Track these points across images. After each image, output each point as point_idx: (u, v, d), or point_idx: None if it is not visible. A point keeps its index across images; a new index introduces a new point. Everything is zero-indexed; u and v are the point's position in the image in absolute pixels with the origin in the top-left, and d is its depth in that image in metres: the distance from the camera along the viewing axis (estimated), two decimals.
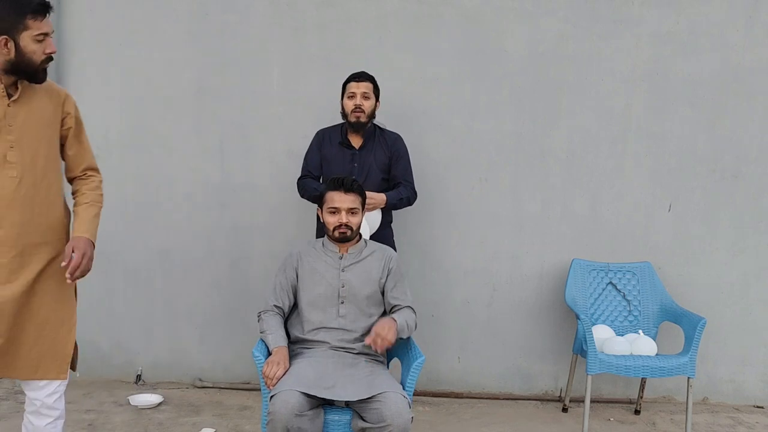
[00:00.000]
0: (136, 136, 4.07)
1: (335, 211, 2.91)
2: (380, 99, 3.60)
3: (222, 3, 4.02)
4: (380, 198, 3.45)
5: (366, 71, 3.56)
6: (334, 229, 2.92)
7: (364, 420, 2.61)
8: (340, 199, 2.90)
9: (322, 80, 4.02)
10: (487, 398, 4.11)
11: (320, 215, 3.02)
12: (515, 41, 4.04)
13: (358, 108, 3.47)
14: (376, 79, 3.56)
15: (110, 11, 4.02)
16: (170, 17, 4.03)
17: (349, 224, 2.91)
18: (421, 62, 4.04)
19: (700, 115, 4.07)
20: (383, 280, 2.97)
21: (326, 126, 3.74)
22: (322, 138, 3.65)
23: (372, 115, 3.55)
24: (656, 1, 4.03)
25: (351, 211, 2.92)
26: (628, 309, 3.92)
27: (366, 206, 3.19)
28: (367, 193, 3.26)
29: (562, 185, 4.09)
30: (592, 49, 4.04)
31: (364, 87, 3.49)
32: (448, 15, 4.03)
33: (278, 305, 2.96)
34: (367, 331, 2.91)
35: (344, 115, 3.55)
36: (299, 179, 3.66)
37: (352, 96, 3.49)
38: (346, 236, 2.92)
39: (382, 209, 3.52)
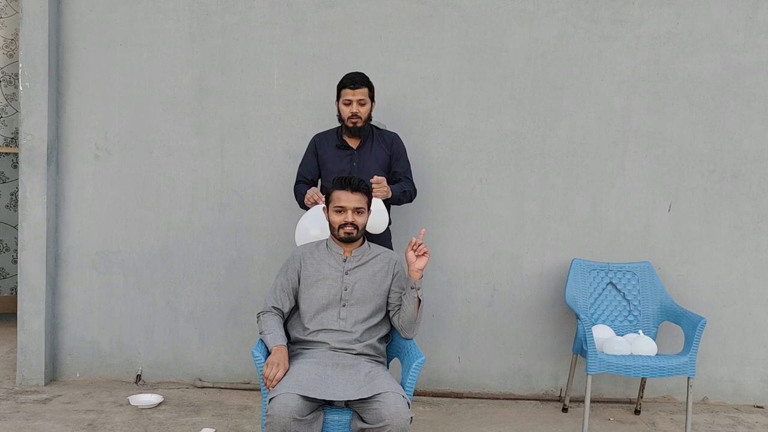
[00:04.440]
0: (136, 136, 4.07)
1: (341, 210, 2.90)
2: (380, 99, 3.59)
3: (222, 3, 4.02)
4: (387, 186, 3.42)
5: (360, 72, 3.53)
6: (339, 228, 2.92)
7: (363, 420, 2.61)
8: (346, 199, 2.89)
9: (322, 80, 4.02)
10: (487, 398, 4.11)
11: (325, 214, 3.02)
12: (515, 41, 4.04)
13: (354, 115, 3.47)
14: (371, 79, 3.52)
15: (110, 11, 4.03)
16: (170, 17, 4.03)
17: (355, 223, 2.90)
18: (422, 62, 4.04)
19: (700, 115, 4.07)
20: (387, 283, 2.97)
21: (324, 128, 3.73)
22: (318, 142, 3.63)
23: (369, 118, 3.55)
24: (656, 1, 4.03)
25: (357, 211, 2.91)
26: (628, 309, 3.92)
27: (373, 190, 3.24)
28: (375, 177, 3.32)
29: (562, 185, 4.09)
30: (592, 49, 4.04)
31: (360, 94, 3.45)
32: (449, 15, 4.03)
33: (277, 307, 2.95)
34: (368, 334, 2.92)
35: (340, 118, 3.54)
36: (295, 185, 3.65)
37: (348, 103, 3.46)
38: (352, 236, 2.91)
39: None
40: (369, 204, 2.98)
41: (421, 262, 2.85)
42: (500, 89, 4.06)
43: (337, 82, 3.52)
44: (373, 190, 3.27)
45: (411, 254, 2.86)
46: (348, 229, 2.90)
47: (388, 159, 3.60)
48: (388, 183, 3.50)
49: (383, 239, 3.51)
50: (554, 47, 4.04)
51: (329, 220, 2.97)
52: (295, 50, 4.04)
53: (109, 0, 4.02)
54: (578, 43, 4.04)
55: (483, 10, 4.03)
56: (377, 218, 3.26)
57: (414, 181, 3.69)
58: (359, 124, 3.49)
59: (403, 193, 3.55)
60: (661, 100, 4.07)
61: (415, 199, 3.69)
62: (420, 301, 2.89)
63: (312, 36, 4.03)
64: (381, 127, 3.68)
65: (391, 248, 3.59)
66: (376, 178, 3.32)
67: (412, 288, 2.86)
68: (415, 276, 2.86)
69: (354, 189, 2.90)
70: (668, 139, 4.08)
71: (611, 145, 4.08)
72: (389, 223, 3.64)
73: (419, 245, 2.86)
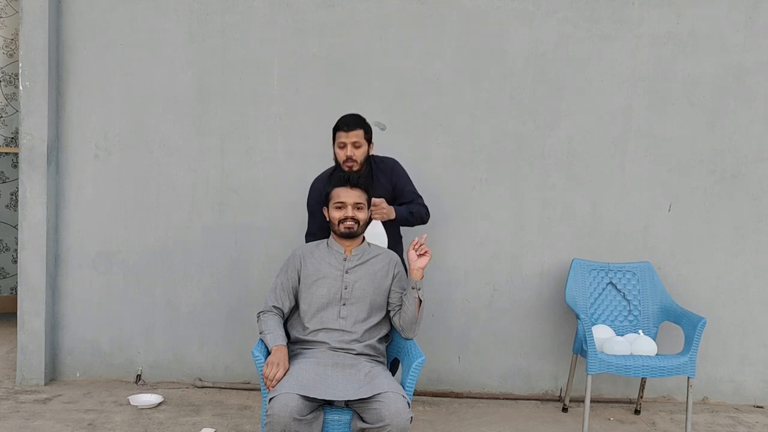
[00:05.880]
0: (136, 136, 4.07)
1: (341, 206, 2.92)
2: (379, 99, 3.54)
3: (222, 3, 4.02)
4: (389, 207, 3.31)
5: (355, 114, 3.42)
6: (339, 223, 2.92)
7: (363, 420, 2.61)
8: (346, 194, 2.92)
9: (322, 80, 4.02)
10: (487, 398, 4.11)
11: (326, 214, 3.02)
12: (515, 41, 4.04)
13: (349, 159, 3.31)
14: (366, 120, 3.41)
15: (110, 11, 4.03)
16: (170, 17, 4.03)
17: (355, 218, 2.91)
18: (422, 62, 4.04)
19: (700, 115, 4.08)
20: (387, 283, 2.97)
21: (323, 127, 3.69)
22: (320, 189, 3.44)
23: (366, 161, 3.39)
24: (656, 1, 4.03)
25: (357, 206, 2.93)
26: (628, 309, 3.92)
27: (372, 212, 3.16)
28: (374, 199, 3.20)
29: (562, 185, 4.09)
30: (592, 49, 4.04)
31: (354, 136, 3.31)
32: (449, 15, 4.03)
33: (277, 306, 2.96)
34: (368, 334, 2.92)
35: (337, 162, 3.40)
36: (306, 237, 3.52)
37: (343, 146, 3.33)
38: (353, 230, 2.93)
39: (391, 226, 3.42)
40: (369, 201, 2.99)
41: (422, 261, 2.86)
42: (500, 89, 4.06)
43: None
44: (372, 213, 3.18)
45: (412, 253, 2.87)
46: (348, 223, 2.91)
47: (391, 190, 3.48)
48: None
49: (396, 252, 3.45)
50: (554, 47, 4.04)
51: (329, 218, 2.98)
52: (295, 50, 4.04)
53: (109, 0, 4.02)
54: (578, 43, 4.04)
55: (483, 10, 4.03)
56: (376, 242, 3.17)
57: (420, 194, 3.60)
58: (355, 168, 3.33)
59: (410, 213, 3.42)
60: (661, 100, 4.07)
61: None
62: (421, 301, 2.90)
63: (312, 36, 4.03)
64: (381, 128, 3.67)
65: (402, 261, 3.53)
66: (374, 200, 3.21)
67: (413, 288, 2.87)
68: (416, 275, 2.86)
69: (353, 185, 2.94)
70: (668, 139, 4.08)
71: (611, 145, 4.08)
72: (401, 238, 3.61)
73: (420, 245, 2.87)
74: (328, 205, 2.99)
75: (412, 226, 3.54)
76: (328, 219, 3.01)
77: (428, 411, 3.90)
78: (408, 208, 3.44)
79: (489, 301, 4.13)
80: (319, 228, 3.42)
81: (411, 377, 2.76)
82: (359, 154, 3.34)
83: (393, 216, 3.33)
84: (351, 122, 3.35)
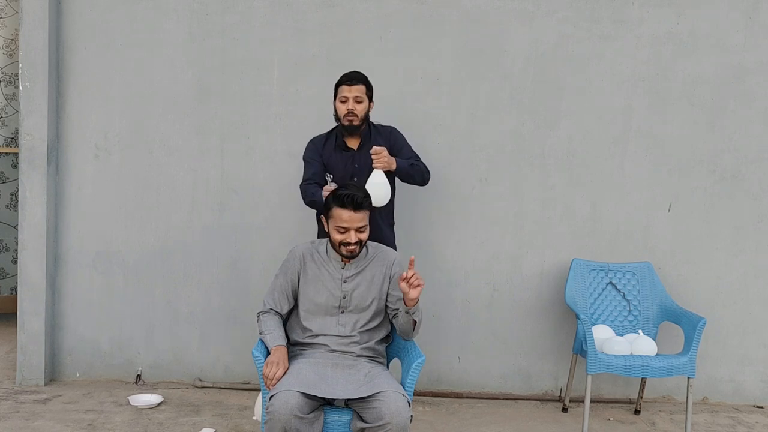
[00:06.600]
0: (136, 136, 4.07)
1: (344, 230, 2.82)
2: (378, 99, 3.56)
3: (222, 3, 4.02)
4: (390, 157, 3.32)
5: (358, 71, 3.48)
6: (341, 245, 2.84)
7: (363, 420, 2.61)
8: (349, 218, 2.80)
9: (322, 80, 4.01)
10: (487, 398, 4.11)
11: (324, 224, 2.94)
12: (515, 41, 4.04)
13: (350, 113, 3.39)
14: (369, 79, 3.48)
15: (110, 11, 4.02)
16: (170, 17, 4.03)
17: (359, 241, 2.84)
18: (422, 63, 4.04)
19: (700, 115, 4.08)
20: (385, 287, 2.96)
21: (323, 129, 3.70)
22: (318, 145, 3.54)
23: (366, 118, 3.48)
24: (656, 1, 4.03)
25: (359, 230, 2.84)
26: (628, 309, 3.92)
27: (373, 161, 3.21)
28: (375, 147, 3.27)
29: (562, 185, 4.09)
30: (592, 49, 4.04)
31: (357, 91, 3.39)
32: (449, 15, 4.03)
33: (276, 309, 2.95)
34: (367, 335, 2.92)
35: (337, 118, 3.47)
36: (302, 184, 3.52)
37: (345, 100, 3.39)
38: (354, 254, 2.88)
39: (387, 208, 3.46)
40: (370, 215, 2.91)
41: (414, 293, 2.73)
42: (500, 89, 4.06)
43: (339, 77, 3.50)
44: (373, 161, 3.24)
45: (404, 285, 2.73)
46: (351, 248, 2.84)
47: (388, 151, 3.46)
48: None
49: (388, 241, 3.48)
50: (554, 47, 4.04)
51: (329, 235, 2.90)
52: (295, 50, 4.04)
53: (109, 0, 4.02)
54: (578, 43, 4.04)
55: (483, 10, 4.03)
56: (379, 191, 3.19)
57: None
58: (355, 123, 3.41)
59: (411, 166, 3.43)
60: (661, 100, 4.07)
61: (416, 196, 3.65)
62: (416, 322, 2.86)
63: (312, 36, 4.03)
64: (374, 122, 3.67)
65: (395, 248, 3.54)
66: (375, 148, 3.26)
67: (407, 312, 2.82)
68: (409, 304, 2.78)
69: (357, 208, 2.80)
70: (668, 139, 4.08)
71: (611, 145, 4.08)
72: (392, 224, 3.63)
73: (412, 276, 2.73)
74: (328, 220, 2.89)
75: (413, 181, 3.52)
76: (327, 230, 2.92)
77: (428, 411, 3.90)
78: (409, 161, 3.47)
79: (489, 301, 4.13)
80: (314, 173, 3.48)
81: (411, 377, 2.76)
82: (360, 109, 3.42)
83: (394, 166, 3.35)
84: (354, 77, 3.42)
